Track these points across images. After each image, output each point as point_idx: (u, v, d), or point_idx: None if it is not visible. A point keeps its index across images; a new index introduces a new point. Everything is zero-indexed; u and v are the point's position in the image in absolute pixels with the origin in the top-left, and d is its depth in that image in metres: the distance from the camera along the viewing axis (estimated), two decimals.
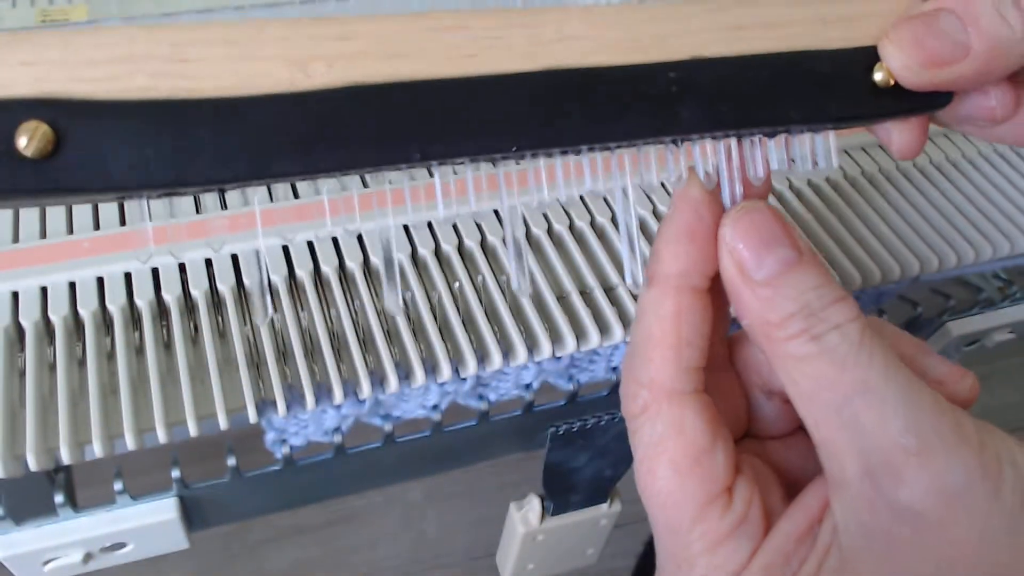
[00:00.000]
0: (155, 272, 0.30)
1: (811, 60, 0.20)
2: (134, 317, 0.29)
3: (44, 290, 0.29)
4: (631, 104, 0.19)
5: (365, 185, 0.33)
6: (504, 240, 0.32)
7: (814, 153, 0.21)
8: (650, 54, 0.19)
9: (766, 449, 0.22)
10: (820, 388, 0.18)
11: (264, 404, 0.27)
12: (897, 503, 0.17)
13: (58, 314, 0.28)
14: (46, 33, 0.16)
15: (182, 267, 0.30)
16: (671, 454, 0.19)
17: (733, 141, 0.20)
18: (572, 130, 0.19)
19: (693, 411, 0.19)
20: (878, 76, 0.20)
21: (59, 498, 0.27)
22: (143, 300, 0.29)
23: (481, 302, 0.30)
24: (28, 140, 0.15)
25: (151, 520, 0.28)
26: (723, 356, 0.23)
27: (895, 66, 0.20)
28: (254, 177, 0.17)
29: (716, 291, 0.20)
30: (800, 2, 0.21)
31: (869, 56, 0.20)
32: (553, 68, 0.18)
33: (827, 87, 0.20)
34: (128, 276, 0.30)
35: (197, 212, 0.32)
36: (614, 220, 0.34)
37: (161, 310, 0.29)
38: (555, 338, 0.29)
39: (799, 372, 0.19)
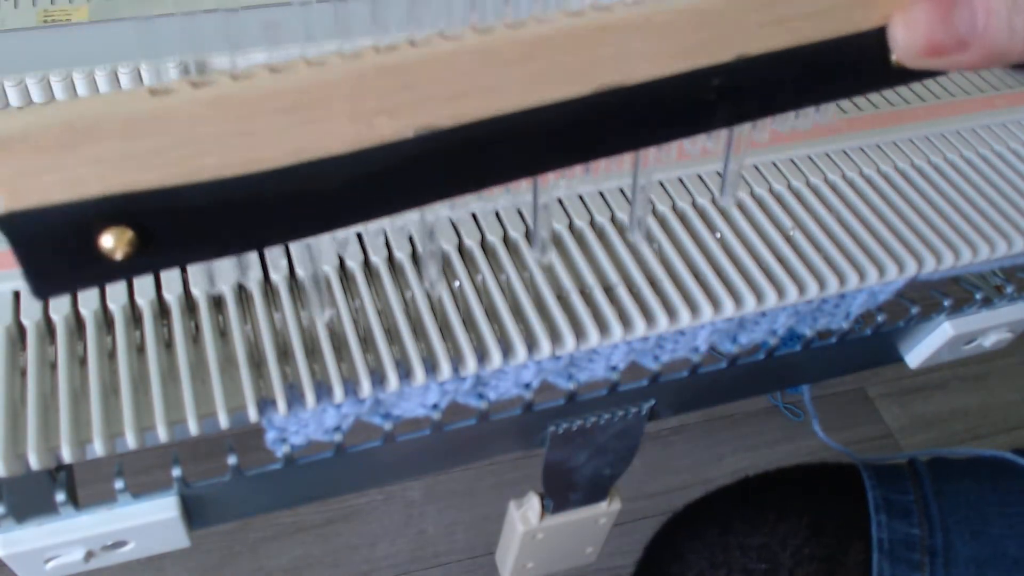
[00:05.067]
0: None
1: (842, 46, 0.20)
2: (135, 316, 0.29)
3: None
4: (673, 112, 0.19)
5: None
6: (503, 240, 0.32)
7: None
8: (698, 59, 0.19)
9: None
10: None
11: (265, 403, 0.27)
12: None
13: (59, 313, 0.28)
14: (108, 126, 0.15)
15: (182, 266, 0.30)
16: None
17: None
18: (617, 140, 0.19)
19: None
20: (895, 56, 0.21)
21: (60, 496, 0.28)
22: (144, 299, 0.29)
23: (481, 301, 0.30)
24: (114, 244, 0.16)
25: (152, 518, 0.29)
26: None
27: (897, 47, 0.21)
28: (325, 231, 0.17)
29: None
30: None
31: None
32: (606, 88, 0.18)
33: (852, 69, 0.21)
34: None
35: None
36: (614, 220, 0.34)
37: (162, 309, 0.29)
38: (555, 337, 0.29)
39: None
